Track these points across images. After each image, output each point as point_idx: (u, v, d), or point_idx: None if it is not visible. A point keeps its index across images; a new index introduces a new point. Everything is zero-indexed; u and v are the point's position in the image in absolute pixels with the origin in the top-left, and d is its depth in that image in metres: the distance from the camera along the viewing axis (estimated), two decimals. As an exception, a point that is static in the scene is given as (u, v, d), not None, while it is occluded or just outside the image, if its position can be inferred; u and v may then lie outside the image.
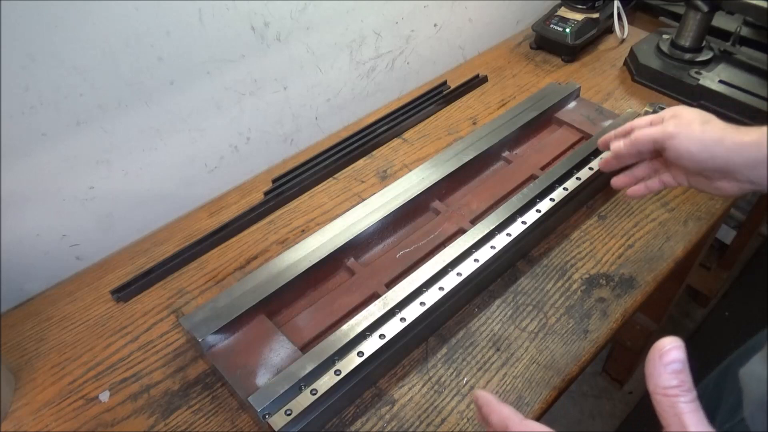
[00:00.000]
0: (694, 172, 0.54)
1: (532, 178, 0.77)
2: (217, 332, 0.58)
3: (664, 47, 0.98)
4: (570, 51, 1.03)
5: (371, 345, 0.56)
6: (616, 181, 0.62)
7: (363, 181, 0.82)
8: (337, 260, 0.66)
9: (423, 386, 0.59)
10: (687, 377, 0.30)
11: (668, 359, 0.30)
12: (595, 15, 1.03)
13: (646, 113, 0.88)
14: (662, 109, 0.88)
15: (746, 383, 0.60)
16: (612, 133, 0.61)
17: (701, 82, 0.91)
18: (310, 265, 0.63)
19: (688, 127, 0.51)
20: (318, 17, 0.79)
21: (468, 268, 0.62)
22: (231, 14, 0.69)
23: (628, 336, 1.35)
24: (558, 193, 0.71)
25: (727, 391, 0.66)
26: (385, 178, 0.83)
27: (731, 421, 0.62)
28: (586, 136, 0.83)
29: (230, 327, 0.59)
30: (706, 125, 0.51)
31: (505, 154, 0.81)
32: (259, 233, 0.76)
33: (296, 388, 0.53)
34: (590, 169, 0.74)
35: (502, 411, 0.37)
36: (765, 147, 0.47)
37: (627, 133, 0.59)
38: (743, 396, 0.60)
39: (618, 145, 0.57)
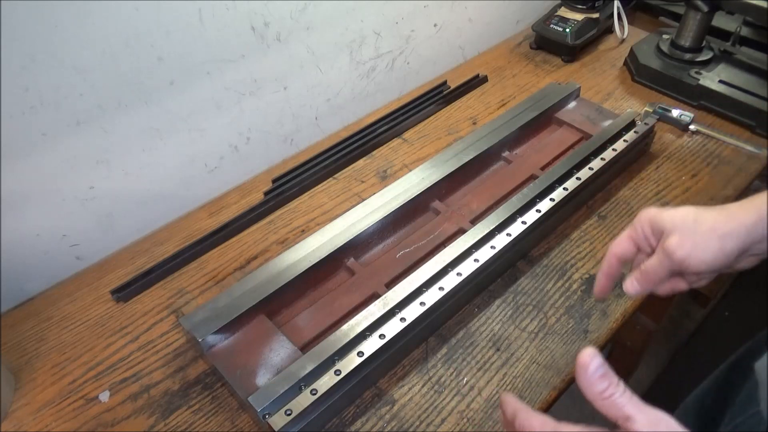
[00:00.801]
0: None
1: (532, 178, 0.77)
2: (217, 332, 0.58)
3: (664, 47, 0.98)
4: (570, 51, 1.03)
5: (371, 345, 0.56)
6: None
7: (363, 181, 0.82)
8: (337, 260, 0.66)
9: (423, 386, 0.59)
10: (612, 375, 0.34)
11: (593, 368, 0.34)
12: (595, 15, 1.03)
13: (646, 113, 0.88)
14: (663, 110, 0.88)
15: (762, 377, 0.60)
16: (602, 274, 0.54)
17: (701, 82, 0.91)
18: (310, 265, 0.63)
19: (693, 241, 0.47)
20: (318, 17, 0.79)
21: (468, 268, 0.62)
22: (231, 14, 0.69)
23: (628, 336, 1.35)
24: (558, 193, 0.71)
25: (738, 384, 0.66)
26: (385, 178, 0.83)
27: (744, 414, 0.61)
28: (586, 136, 0.83)
29: (230, 327, 0.59)
30: (699, 224, 0.47)
31: (505, 154, 0.81)
32: (259, 233, 0.76)
33: (296, 388, 0.53)
34: (590, 169, 0.74)
35: (514, 404, 0.39)
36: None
37: (617, 263, 0.53)
38: (759, 388, 0.60)
39: (633, 285, 0.51)
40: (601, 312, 0.64)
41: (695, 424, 0.75)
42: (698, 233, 0.47)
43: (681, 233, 0.47)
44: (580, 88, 0.89)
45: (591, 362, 0.34)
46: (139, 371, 0.61)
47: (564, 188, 0.71)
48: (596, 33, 1.04)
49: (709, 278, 0.52)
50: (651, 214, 0.50)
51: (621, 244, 0.53)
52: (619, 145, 0.77)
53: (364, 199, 0.72)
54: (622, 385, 0.34)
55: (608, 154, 0.76)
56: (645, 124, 0.80)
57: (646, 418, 0.33)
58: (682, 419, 0.80)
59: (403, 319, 0.58)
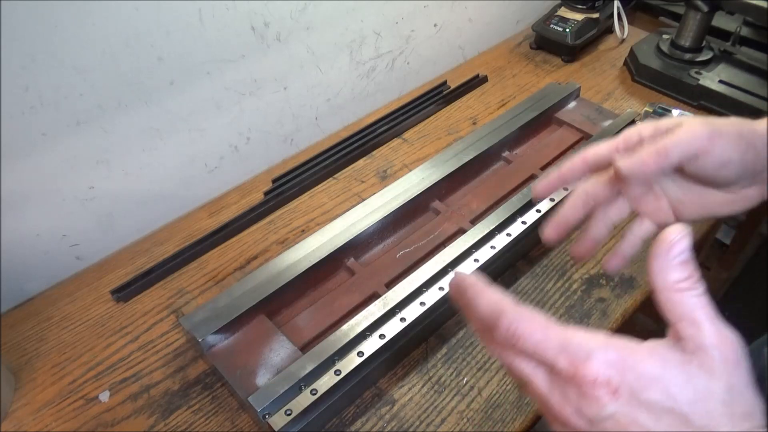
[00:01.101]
0: (718, 186, 0.43)
1: (532, 178, 0.77)
2: (217, 332, 0.58)
3: (664, 47, 0.98)
4: (570, 51, 1.03)
5: (371, 345, 0.56)
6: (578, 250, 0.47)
7: (363, 181, 0.82)
8: (337, 260, 0.66)
9: (423, 386, 0.59)
10: (695, 269, 0.28)
11: (678, 250, 0.28)
12: (595, 15, 1.03)
13: (646, 114, 0.88)
14: (663, 110, 0.88)
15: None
16: (604, 147, 0.44)
17: (701, 82, 0.91)
18: (310, 265, 0.63)
19: (712, 133, 0.39)
20: (318, 17, 0.79)
21: (468, 268, 0.62)
22: (231, 14, 0.69)
23: (628, 336, 1.35)
24: (558, 193, 0.71)
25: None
26: (385, 178, 0.83)
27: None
28: (586, 136, 0.83)
29: (230, 327, 0.59)
30: (720, 121, 0.40)
31: (505, 154, 0.81)
32: (259, 233, 0.76)
33: (296, 388, 0.53)
34: (590, 169, 0.73)
35: (490, 295, 0.32)
36: None
37: (627, 147, 0.44)
38: (765, 373, 0.59)
39: (639, 161, 0.40)
40: (601, 312, 0.65)
41: None
42: (719, 130, 0.39)
43: (700, 124, 0.39)
44: (580, 88, 0.89)
45: (678, 242, 0.28)
46: (139, 371, 0.61)
47: (564, 188, 0.71)
48: (596, 33, 1.04)
49: (705, 205, 0.43)
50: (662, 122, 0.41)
51: (598, 150, 0.43)
52: (619, 145, 0.77)
53: (364, 199, 0.72)
54: (704, 287, 0.28)
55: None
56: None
57: (717, 332, 0.27)
58: None
59: (403, 319, 0.58)
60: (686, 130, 0.40)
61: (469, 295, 0.33)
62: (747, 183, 0.42)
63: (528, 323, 0.31)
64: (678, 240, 0.28)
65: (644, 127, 0.43)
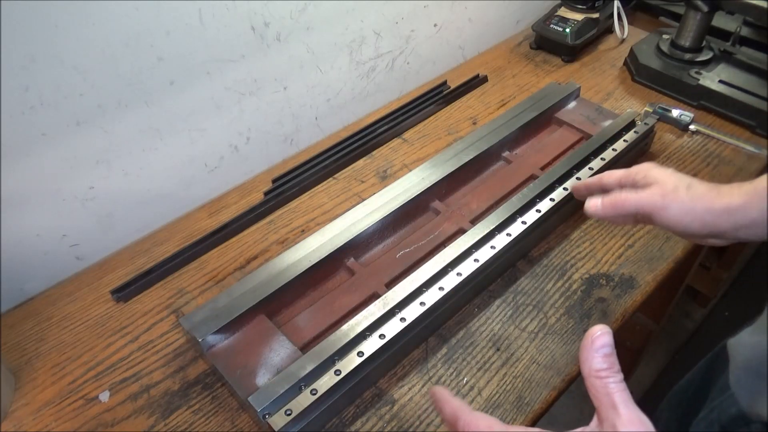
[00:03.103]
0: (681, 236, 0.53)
1: (532, 178, 0.77)
2: (217, 332, 0.58)
3: (664, 47, 0.98)
4: (570, 51, 1.03)
5: (371, 345, 0.56)
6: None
7: (363, 181, 0.82)
8: (337, 260, 0.66)
9: (423, 386, 0.59)
10: (615, 361, 0.34)
11: (599, 344, 0.34)
12: (595, 15, 1.03)
13: (646, 114, 0.88)
14: (663, 110, 0.88)
15: (733, 352, 0.61)
16: (583, 183, 0.60)
17: (701, 82, 0.91)
18: (310, 265, 0.63)
19: (676, 197, 0.49)
20: (318, 17, 0.79)
21: (468, 268, 0.62)
22: (231, 14, 0.69)
23: (628, 336, 1.35)
24: (558, 193, 0.71)
25: (717, 372, 0.66)
26: (385, 178, 0.83)
27: (721, 396, 0.62)
28: (586, 136, 0.83)
29: (230, 327, 0.59)
30: (691, 191, 0.49)
31: (505, 154, 0.81)
32: (259, 233, 0.76)
33: (296, 388, 0.53)
34: (590, 169, 0.74)
35: (452, 403, 0.38)
36: (751, 210, 0.47)
37: (599, 187, 0.57)
38: (730, 365, 0.61)
39: (596, 205, 0.53)
40: (601, 312, 0.65)
41: (676, 413, 0.76)
42: (687, 197, 0.49)
43: (671, 190, 0.49)
44: (580, 88, 0.89)
45: (600, 338, 0.34)
46: (139, 371, 0.61)
47: (564, 188, 0.71)
48: (596, 33, 1.04)
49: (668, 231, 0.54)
50: (650, 167, 0.52)
51: (612, 177, 0.56)
52: (619, 145, 0.77)
53: (364, 199, 0.72)
54: (621, 376, 0.34)
55: (608, 154, 0.76)
56: (645, 124, 0.80)
57: (630, 414, 0.32)
58: (665, 412, 0.80)
59: (403, 319, 0.58)
60: (649, 192, 0.51)
61: (438, 403, 0.40)
62: (706, 237, 0.50)
63: (477, 422, 0.37)
64: (600, 336, 0.34)
65: (640, 175, 0.53)
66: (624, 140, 0.78)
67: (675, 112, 0.88)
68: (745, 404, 0.57)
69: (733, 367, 0.60)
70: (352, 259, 0.67)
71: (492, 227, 0.66)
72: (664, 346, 1.55)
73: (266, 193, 0.80)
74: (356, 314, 0.58)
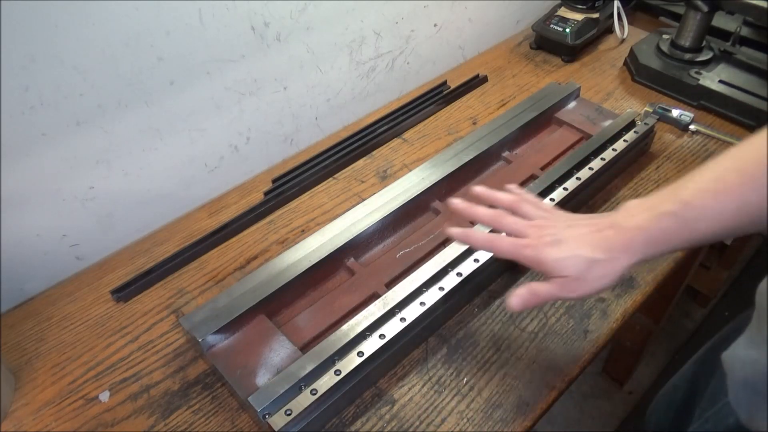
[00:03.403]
0: None
1: (532, 178, 0.77)
2: (217, 332, 0.58)
3: (664, 47, 0.98)
4: (570, 51, 1.03)
5: (371, 345, 0.56)
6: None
7: (363, 181, 0.82)
8: (337, 260, 0.66)
9: (423, 386, 0.59)
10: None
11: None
12: (595, 15, 1.03)
13: (646, 113, 0.88)
14: (663, 109, 0.88)
15: (730, 367, 0.60)
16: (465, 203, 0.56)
17: (701, 82, 0.91)
18: (310, 265, 0.63)
19: (587, 281, 0.49)
20: (318, 17, 0.79)
21: (468, 268, 0.62)
22: (231, 14, 0.69)
23: (628, 336, 1.35)
24: (558, 193, 0.71)
25: (704, 378, 0.66)
26: (385, 178, 0.83)
27: (713, 407, 0.62)
28: (586, 136, 0.83)
29: (230, 327, 0.59)
30: (593, 270, 0.48)
31: (505, 154, 0.81)
32: (259, 233, 0.76)
33: (296, 388, 0.53)
34: (590, 169, 0.74)
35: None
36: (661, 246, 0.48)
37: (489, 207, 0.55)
38: (727, 380, 0.60)
39: (518, 304, 0.50)
40: (601, 312, 0.65)
41: (666, 419, 0.75)
42: (595, 281, 0.49)
43: (578, 280, 0.49)
44: (580, 88, 0.89)
45: None
46: (139, 371, 0.61)
47: (564, 188, 0.71)
48: (596, 33, 1.04)
49: None
50: (544, 262, 0.50)
51: (502, 201, 0.55)
52: (619, 145, 0.77)
53: (364, 199, 0.72)
54: None
55: (608, 154, 0.76)
56: (645, 124, 0.80)
57: None
58: (653, 416, 0.80)
59: (403, 319, 0.58)
60: (559, 284, 0.50)
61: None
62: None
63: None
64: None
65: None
66: (624, 140, 0.78)
67: (675, 112, 0.88)
68: (744, 418, 0.57)
69: (732, 384, 0.59)
70: (352, 259, 0.67)
71: (492, 227, 0.66)
72: (664, 346, 1.55)
73: (266, 193, 0.80)
74: (356, 314, 0.58)
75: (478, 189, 0.57)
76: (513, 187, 0.59)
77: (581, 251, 0.49)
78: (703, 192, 0.46)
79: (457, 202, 0.56)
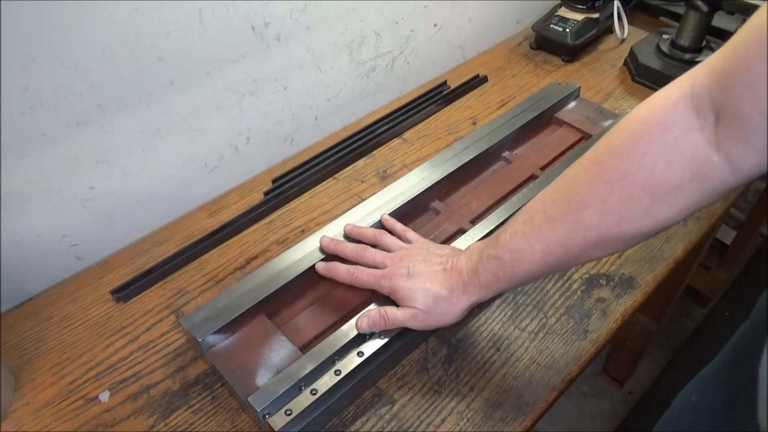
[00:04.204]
0: None
1: (532, 178, 0.77)
2: (217, 332, 0.58)
3: (664, 47, 0.98)
4: (570, 51, 1.03)
5: (371, 345, 0.56)
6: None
7: (363, 181, 0.82)
8: (337, 260, 0.66)
9: (423, 386, 0.59)
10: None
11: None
12: (595, 15, 1.03)
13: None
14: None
15: (763, 379, 0.57)
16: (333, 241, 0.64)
17: (701, 82, 0.90)
18: (310, 265, 0.63)
19: (437, 314, 0.54)
20: (318, 17, 0.79)
21: (468, 268, 0.62)
22: (231, 14, 0.69)
23: (628, 336, 1.35)
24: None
25: (733, 386, 0.64)
26: (385, 178, 0.83)
27: (744, 418, 0.59)
28: (586, 136, 0.83)
29: (230, 327, 0.59)
30: (442, 308, 0.54)
31: (505, 154, 0.82)
32: (259, 233, 0.76)
33: (296, 388, 0.53)
34: (590, 169, 0.73)
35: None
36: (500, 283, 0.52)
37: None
38: (758, 392, 0.58)
39: (367, 326, 0.56)
40: (601, 312, 0.65)
41: (693, 421, 0.73)
42: (439, 315, 0.54)
43: (425, 312, 0.54)
44: (580, 88, 0.89)
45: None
46: (139, 371, 0.61)
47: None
48: (596, 33, 1.04)
49: None
50: (397, 290, 0.55)
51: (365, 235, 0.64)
52: (619, 145, 0.77)
53: (364, 199, 0.72)
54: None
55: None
56: (645, 124, 0.80)
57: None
58: (677, 414, 0.76)
59: (403, 319, 0.58)
60: (409, 313, 0.56)
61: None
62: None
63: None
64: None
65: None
66: (624, 140, 0.77)
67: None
68: None
69: (763, 397, 0.57)
70: (352, 259, 0.67)
71: (492, 227, 0.66)
72: (664, 346, 1.55)
73: (266, 193, 0.80)
74: (356, 314, 0.58)
75: (348, 227, 0.65)
76: (386, 217, 0.67)
77: (430, 285, 0.54)
78: (517, 235, 0.49)
79: (325, 239, 0.64)
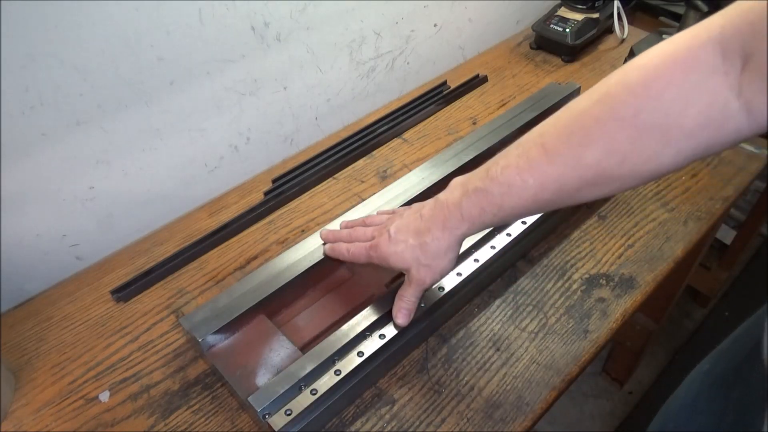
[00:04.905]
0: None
1: (532, 178, 0.77)
2: (217, 332, 0.58)
3: (664, 47, 0.97)
4: (570, 51, 1.03)
5: (371, 345, 0.56)
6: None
7: (363, 181, 0.82)
8: (337, 260, 0.66)
9: (423, 386, 0.59)
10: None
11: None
12: (595, 15, 1.03)
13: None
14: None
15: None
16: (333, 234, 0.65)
17: (701, 82, 0.90)
18: (310, 265, 0.63)
19: (431, 267, 0.53)
20: (318, 17, 0.79)
21: (468, 268, 0.62)
22: (231, 14, 0.69)
23: (628, 336, 1.35)
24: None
25: (742, 353, 0.63)
26: (385, 178, 0.83)
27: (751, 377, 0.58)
28: (586, 136, 0.83)
29: (230, 327, 0.59)
30: (431, 253, 0.52)
31: (505, 154, 0.81)
32: (259, 233, 0.76)
33: (296, 388, 0.53)
34: (590, 169, 0.73)
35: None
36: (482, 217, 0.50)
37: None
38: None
39: (405, 319, 0.57)
40: (601, 312, 0.65)
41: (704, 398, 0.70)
42: (431, 261, 0.52)
43: (417, 266, 0.53)
44: (580, 88, 0.89)
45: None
46: (139, 371, 0.61)
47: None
48: (596, 33, 1.04)
49: None
50: (386, 258, 0.54)
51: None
52: (619, 145, 0.77)
53: (364, 199, 0.72)
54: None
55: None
56: (645, 124, 0.80)
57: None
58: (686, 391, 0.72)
59: (403, 319, 0.58)
60: (415, 277, 0.54)
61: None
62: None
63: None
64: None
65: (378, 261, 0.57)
66: (624, 140, 0.77)
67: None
68: None
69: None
70: (352, 259, 0.67)
71: (492, 227, 0.66)
72: (664, 346, 1.55)
73: (266, 193, 0.80)
74: (356, 314, 0.58)
75: (343, 223, 0.66)
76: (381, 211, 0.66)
77: (409, 238, 0.52)
78: (510, 169, 0.46)
79: (324, 231, 0.65)
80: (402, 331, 0.57)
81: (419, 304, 0.59)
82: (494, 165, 0.48)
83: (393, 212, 0.61)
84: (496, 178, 0.47)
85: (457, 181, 0.52)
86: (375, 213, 0.66)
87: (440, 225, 0.51)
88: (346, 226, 0.66)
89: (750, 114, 0.37)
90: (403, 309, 0.56)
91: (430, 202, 0.53)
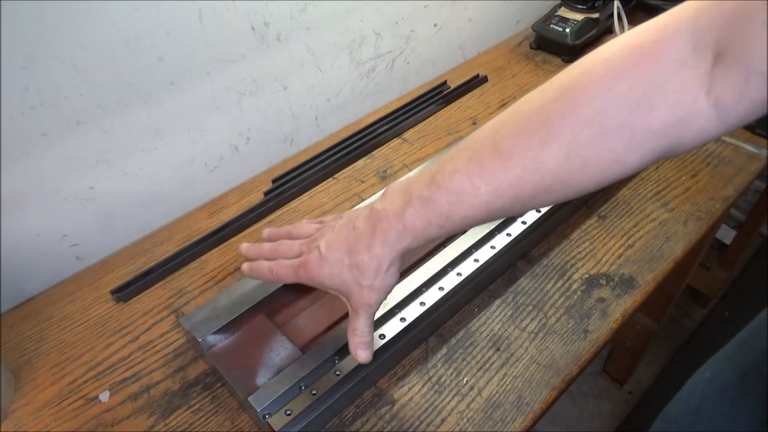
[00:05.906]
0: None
1: (532, 178, 0.77)
2: (217, 332, 0.58)
3: (664, 47, 0.97)
4: (570, 51, 1.03)
5: (371, 345, 0.56)
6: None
7: (363, 181, 0.82)
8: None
9: (423, 386, 0.59)
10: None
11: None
12: (595, 15, 1.03)
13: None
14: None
15: None
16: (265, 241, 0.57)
17: (701, 82, 0.90)
18: (310, 265, 0.63)
19: (371, 289, 0.47)
20: (318, 17, 0.79)
21: (468, 268, 0.62)
22: (231, 14, 0.69)
23: (628, 336, 1.35)
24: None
25: (748, 359, 0.62)
26: (385, 178, 0.83)
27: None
28: (586, 136, 0.83)
29: (230, 327, 0.59)
30: (368, 277, 0.46)
31: (505, 154, 0.81)
32: (259, 233, 0.76)
33: (296, 388, 0.53)
34: (590, 169, 0.73)
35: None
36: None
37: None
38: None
39: (367, 355, 0.51)
40: (601, 312, 0.65)
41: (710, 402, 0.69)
42: (371, 282, 0.46)
43: (359, 290, 0.47)
44: (580, 88, 0.89)
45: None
46: (139, 371, 0.61)
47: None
48: (596, 33, 1.04)
49: None
50: (319, 282, 0.49)
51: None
52: (619, 145, 0.77)
53: (364, 199, 0.72)
54: None
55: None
56: (645, 124, 0.80)
57: None
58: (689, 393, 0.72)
59: (403, 319, 0.58)
60: (359, 301, 0.48)
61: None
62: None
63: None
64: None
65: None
66: (624, 140, 0.78)
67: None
68: None
69: None
70: (352, 259, 0.67)
71: (492, 227, 0.66)
72: (664, 346, 1.55)
73: (266, 193, 0.80)
74: (356, 314, 0.58)
75: (265, 232, 0.58)
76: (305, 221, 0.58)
77: (344, 257, 0.46)
78: (459, 174, 0.41)
79: (244, 246, 0.57)
80: (402, 331, 0.57)
81: (420, 302, 0.59)
82: (440, 170, 0.42)
83: (321, 222, 0.55)
84: (444, 185, 0.41)
85: (394, 187, 0.45)
86: (303, 222, 0.58)
87: (379, 240, 0.44)
88: (269, 238, 0.58)
89: (719, 112, 0.34)
90: (361, 344, 0.50)
91: (363, 212, 0.46)
